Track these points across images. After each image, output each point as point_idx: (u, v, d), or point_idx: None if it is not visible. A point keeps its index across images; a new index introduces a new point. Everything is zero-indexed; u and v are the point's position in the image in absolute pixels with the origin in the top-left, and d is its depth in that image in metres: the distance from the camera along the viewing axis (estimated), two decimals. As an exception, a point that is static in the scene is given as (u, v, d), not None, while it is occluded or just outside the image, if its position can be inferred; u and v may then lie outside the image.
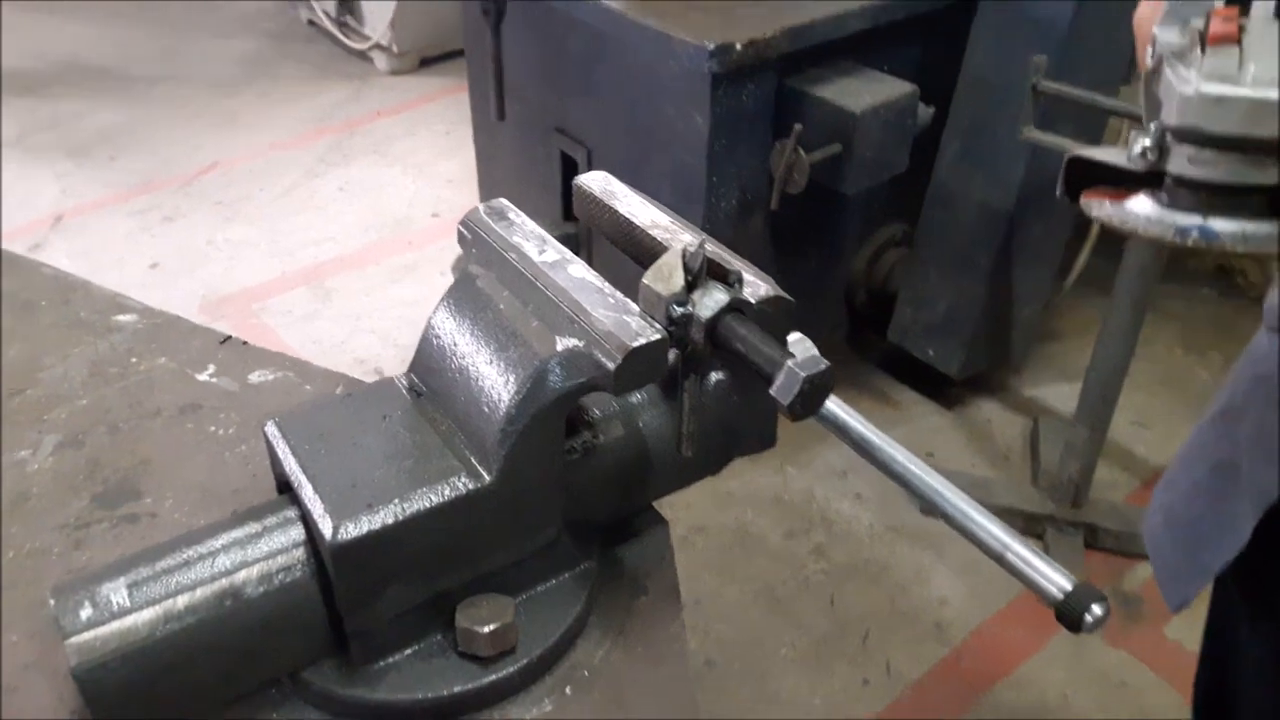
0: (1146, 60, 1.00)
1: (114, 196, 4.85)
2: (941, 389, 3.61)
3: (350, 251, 4.47)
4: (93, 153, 5.21)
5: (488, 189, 3.91)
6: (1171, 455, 3.42)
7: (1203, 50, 0.92)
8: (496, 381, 0.98)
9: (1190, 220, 0.95)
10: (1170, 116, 0.93)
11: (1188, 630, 2.81)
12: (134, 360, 1.45)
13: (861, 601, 2.93)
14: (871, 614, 2.90)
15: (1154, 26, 0.98)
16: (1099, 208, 1.03)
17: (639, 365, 0.93)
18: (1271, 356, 1.15)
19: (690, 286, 0.94)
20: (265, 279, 4.31)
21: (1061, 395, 3.57)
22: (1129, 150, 0.99)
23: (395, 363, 3.80)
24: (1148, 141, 0.96)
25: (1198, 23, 0.94)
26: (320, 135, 5.36)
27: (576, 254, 3.09)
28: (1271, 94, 0.87)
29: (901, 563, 3.05)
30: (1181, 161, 0.94)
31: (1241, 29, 0.91)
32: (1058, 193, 1.08)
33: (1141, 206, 0.99)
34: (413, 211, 4.74)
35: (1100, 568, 3.03)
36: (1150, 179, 0.99)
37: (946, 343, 3.33)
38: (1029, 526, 3.10)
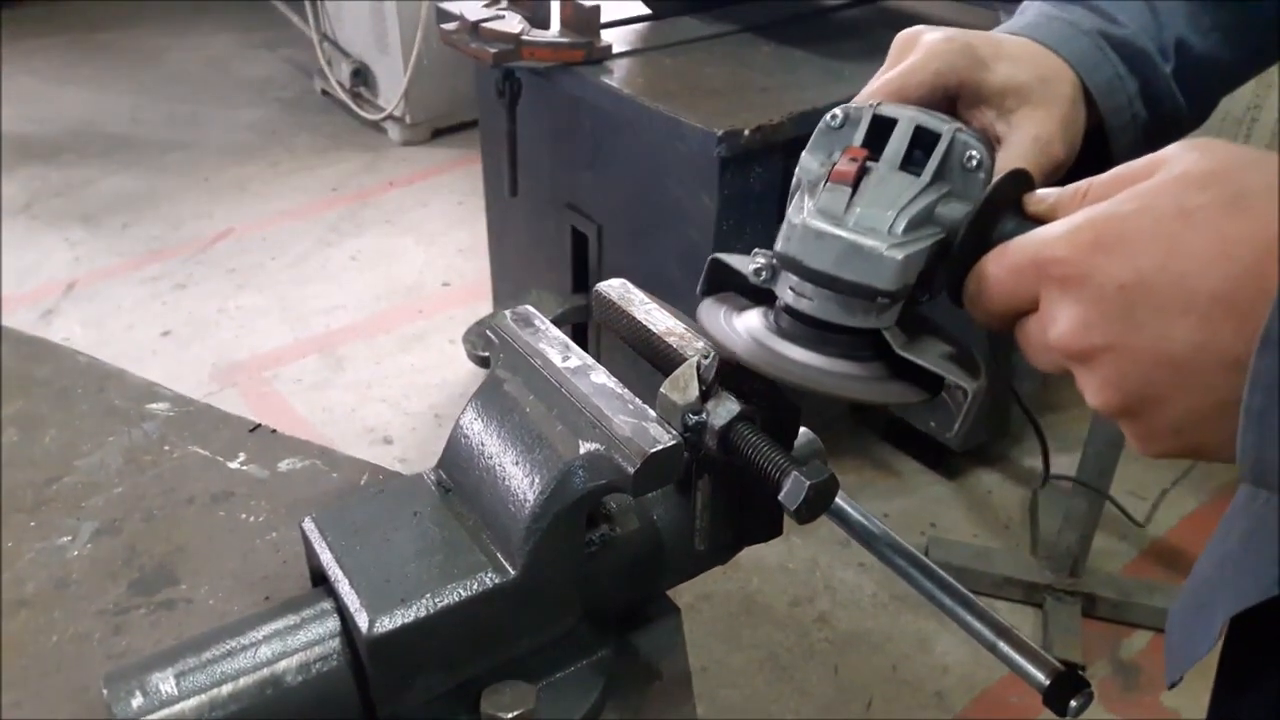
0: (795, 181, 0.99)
1: (126, 264, 4.94)
2: (943, 460, 3.67)
3: (361, 320, 4.55)
4: (105, 220, 5.30)
5: (499, 261, 4.00)
6: (1167, 528, 3.47)
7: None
8: (523, 482, 1.04)
9: (786, 350, 0.97)
10: (779, 242, 0.94)
11: (1184, 699, 2.85)
12: (167, 448, 1.51)
13: (864, 669, 2.97)
14: (874, 681, 2.94)
15: (804, 151, 0.98)
16: (710, 319, 1.03)
17: (656, 469, 0.99)
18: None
19: (704, 396, 1.01)
20: (276, 346, 4.39)
21: (1060, 466, 3.61)
22: (748, 265, 0.99)
23: (404, 430, 3.86)
24: (763, 261, 0.97)
25: (837, 156, 0.94)
26: (333, 205, 5.45)
27: (586, 330, 3.09)
28: (865, 240, 0.88)
29: (904, 631, 3.09)
30: (785, 289, 0.95)
31: (865, 172, 0.91)
32: (698, 291, 1.07)
33: (745, 325, 1.01)
34: (424, 280, 4.82)
35: (1098, 636, 3.08)
36: (767, 298, 1.00)
37: (948, 414, 3.37)
38: (1028, 596, 3.15)
